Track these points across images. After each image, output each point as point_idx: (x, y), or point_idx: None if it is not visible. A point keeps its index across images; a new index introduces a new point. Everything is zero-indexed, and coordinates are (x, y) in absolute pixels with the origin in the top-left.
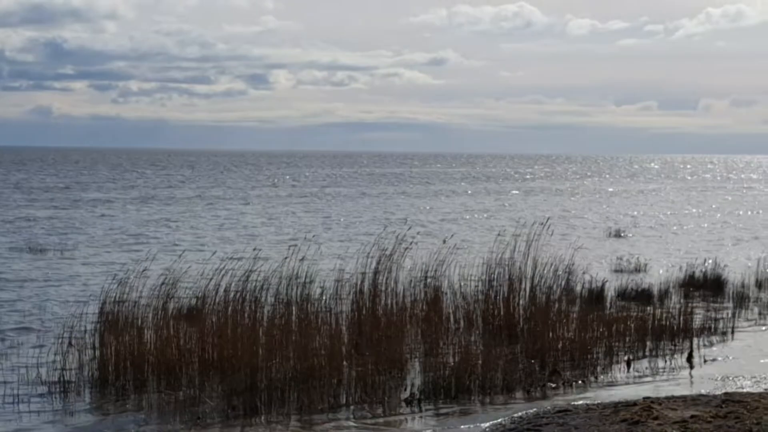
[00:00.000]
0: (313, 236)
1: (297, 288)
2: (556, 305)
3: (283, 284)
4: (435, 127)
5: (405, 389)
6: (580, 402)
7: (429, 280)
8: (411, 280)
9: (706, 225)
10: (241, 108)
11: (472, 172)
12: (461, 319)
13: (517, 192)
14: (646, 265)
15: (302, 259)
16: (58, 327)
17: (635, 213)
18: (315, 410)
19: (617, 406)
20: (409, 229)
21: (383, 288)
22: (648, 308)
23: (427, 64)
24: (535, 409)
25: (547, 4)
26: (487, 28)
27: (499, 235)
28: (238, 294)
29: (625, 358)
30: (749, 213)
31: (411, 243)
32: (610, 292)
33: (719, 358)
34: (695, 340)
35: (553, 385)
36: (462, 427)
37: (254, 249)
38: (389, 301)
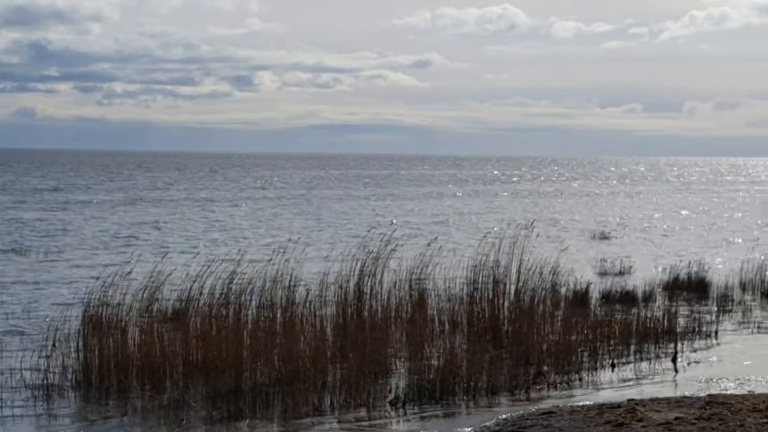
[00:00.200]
0: (299, 239)
1: (282, 290)
2: (541, 307)
3: (267, 286)
4: (419, 130)
5: (390, 392)
6: (565, 404)
7: (414, 282)
8: (396, 282)
9: (692, 227)
10: (226, 110)
11: (460, 175)
12: (446, 322)
13: (506, 194)
14: (630, 267)
15: (287, 261)
16: (43, 330)
17: (623, 215)
18: (299, 413)
19: (602, 408)
20: (395, 231)
21: (368, 290)
22: (632, 310)
23: (411, 66)
24: (519, 411)
25: (531, 7)
26: (471, 31)
27: (484, 237)
28: (223, 296)
29: (610, 360)
30: (737, 215)
31: (396, 245)
32: (594, 294)
33: (703, 361)
34: (679, 343)
35: (538, 387)
36: (447, 429)
37: (239, 251)
38: (374, 304)
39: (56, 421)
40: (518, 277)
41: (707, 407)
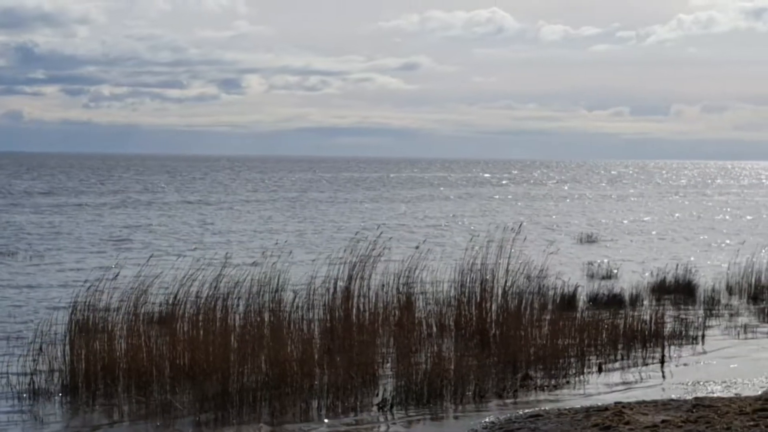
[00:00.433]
0: (286, 241)
1: (269, 294)
2: (529, 310)
3: (255, 290)
4: (407, 132)
5: (377, 395)
6: (552, 407)
7: (402, 285)
8: (384, 286)
9: (682, 230)
10: (214, 113)
11: (450, 178)
12: (434, 325)
13: (498, 197)
14: (617, 270)
15: (274, 264)
16: (29, 333)
17: (614, 218)
18: (287, 416)
19: (589, 411)
20: (381, 234)
21: (356, 293)
22: (620, 313)
23: (399, 69)
24: (507, 415)
25: (519, 10)
26: (459, 34)
27: (471, 239)
28: (210, 300)
29: (597, 363)
30: (727, 218)
31: (384, 248)
32: (582, 298)
33: (690, 363)
34: (666, 346)
35: (526, 390)
36: None
37: (225, 254)
38: (362, 307)
39: (43, 425)
40: (506, 280)
41: (694, 410)
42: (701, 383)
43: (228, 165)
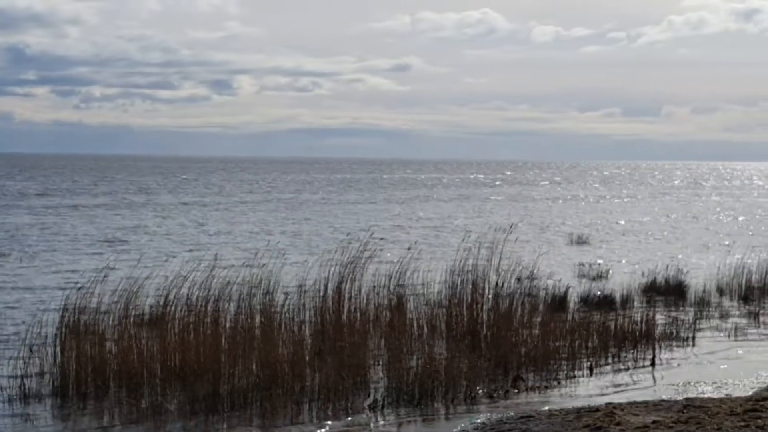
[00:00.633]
0: (278, 242)
1: (260, 295)
2: (519, 311)
3: (246, 291)
4: (399, 133)
5: (368, 396)
6: (543, 408)
7: (393, 286)
8: (375, 287)
9: (677, 231)
10: (205, 114)
11: (444, 179)
12: (425, 326)
13: (495, 198)
14: (609, 270)
15: (264, 265)
16: (20, 334)
17: (608, 219)
18: (278, 418)
19: (580, 412)
20: (372, 234)
21: (347, 294)
22: (611, 314)
23: (390, 70)
24: (498, 416)
25: (510, 11)
26: (450, 35)
27: (463, 240)
28: (201, 301)
29: (588, 364)
30: (721, 218)
31: (375, 249)
32: (573, 298)
33: (681, 364)
34: (657, 346)
35: (516, 391)
36: None
37: (215, 256)
38: (353, 308)
39: (33, 428)
40: (497, 281)
41: (685, 411)
42: (692, 384)
43: (220, 166)
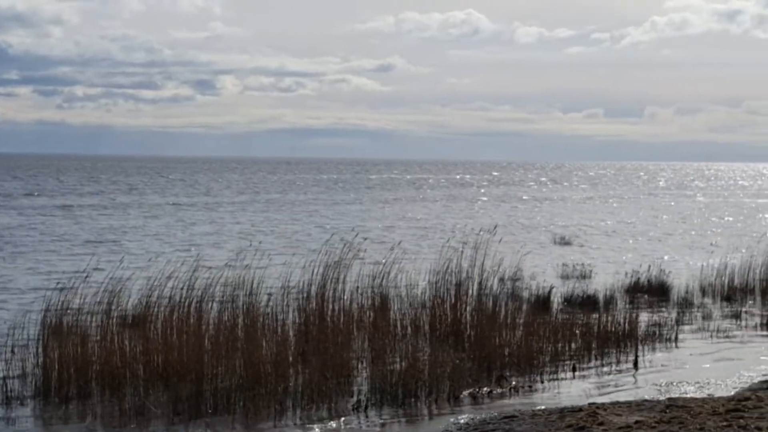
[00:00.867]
0: (260, 242)
1: (244, 295)
2: (503, 311)
3: (229, 291)
4: (383, 134)
5: (352, 396)
6: (527, 408)
7: (377, 286)
8: (359, 287)
9: (659, 231)
10: (188, 114)
11: (432, 180)
12: (408, 326)
13: (483, 198)
14: (592, 271)
15: (247, 266)
16: (2, 335)
17: (595, 219)
18: (261, 418)
19: (563, 412)
20: (357, 235)
21: (331, 295)
22: (594, 314)
23: (374, 70)
24: (481, 416)
25: (494, 12)
26: (434, 35)
27: (447, 240)
28: (184, 301)
29: (571, 364)
30: (710, 219)
31: (359, 250)
32: (556, 298)
33: (663, 364)
34: (640, 346)
35: (500, 391)
36: None
37: (197, 255)
38: (337, 308)
39: (15, 427)
40: (480, 281)
41: (667, 411)
42: (674, 384)
43: (205, 166)
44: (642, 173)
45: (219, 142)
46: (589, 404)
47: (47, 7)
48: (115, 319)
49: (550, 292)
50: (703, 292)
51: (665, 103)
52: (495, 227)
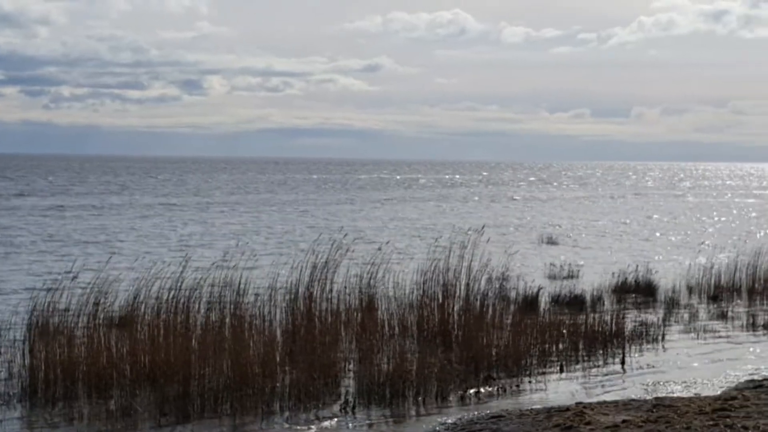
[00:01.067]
0: (247, 243)
1: (231, 295)
2: (491, 311)
3: (216, 292)
4: (370, 134)
5: (339, 396)
6: (514, 407)
7: (365, 287)
8: (347, 287)
9: (646, 231)
10: (175, 114)
11: (422, 180)
12: (396, 326)
13: (476, 198)
14: (579, 270)
15: (235, 265)
16: None
17: (586, 219)
18: (248, 418)
19: (550, 412)
20: (345, 235)
21: (318, 295)
22: (581, 314)
23: (362, 70)
24: (469, 415)
25: (481, 12)
26: (422, 35)
27: (436, 241)
28: (171, 301)
29: (559, 363)
30: (701, 219)
31: (347, 250)
32: (544, 298)
33: (650, 364)
34: (627, 346)
35: (487, 391)
36: None
37: (185, 256)
38: (324, 308)
39: (2, 429)
40: (468, 281)
41: (654, 410)
42: (661, 383)
43: (194, 166)
44: (631, 173)
45: (206, 143)
46: (576, 404)
47: (34, 7)
48: (102, 320)
49: (537, 292)
50: (690, 291)
51: (652, 103)
52: (483, 227)
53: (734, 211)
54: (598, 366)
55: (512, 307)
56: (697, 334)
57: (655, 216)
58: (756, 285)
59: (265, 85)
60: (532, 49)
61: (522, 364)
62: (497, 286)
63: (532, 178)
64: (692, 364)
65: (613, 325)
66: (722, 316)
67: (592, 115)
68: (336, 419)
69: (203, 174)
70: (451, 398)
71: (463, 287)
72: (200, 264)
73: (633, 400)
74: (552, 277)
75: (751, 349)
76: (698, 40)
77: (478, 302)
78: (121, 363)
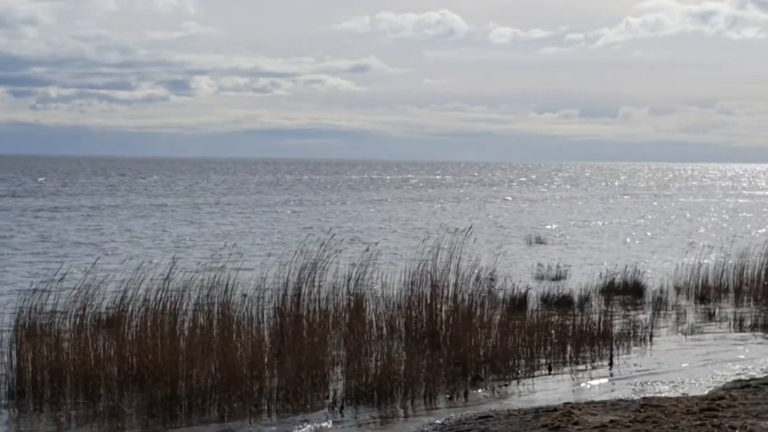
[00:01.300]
0: (234, 244)
1: (219, 296)
2: (479, 312)
3: (204, 293)
4: (358, 134)
5: (327, 397)
6: (502, 408)
7: (353, 287)
8: (335, 288)
9: (637, 231)
10: (163, 114)
11: (413, 180)
12: (384, 326)
13: (467, 199)
14: (567, 270)
15: (222, 267)
16: None
17: (577, 219)
18: (236, 419)
19: (538, 412)
20: (333, 236)
21: (306, 295)
22: (569, 314)
23: (350, 70)
24: (457, 416)
25: (469, 12)
26: (409, 36)
27: (423, 241)
28: (159, 303)
29: (547, 363)
30: (694, 219)
31: (335, 250)
32: (532, 299)
33: (638, 364)
34: (615, 346)
35: (476, 391)
36: None
37: (172, 258)
38: (312, 308)
39: None
40: (456, 281)
41: (642, 410)
42: (649, 383)
43: (183, 167)
44: (621, 174)
45: (194, 143)
46: (564, 404)
47: (21, 7)
48: (89, 321)
49: (526, 292)
50: (678, 291)
51: (639, 103)
52: (470, 227)
53: (723, 212)
54: (586, 366)
55: (500, 307)
56: (685, 334)
57: (650, 216)
58: (743, 285)
59: (253, 85)
60: (520, 49)
61: (510, 364)
62: (485, 286)
63: (522, 179)
64: (680, 364)
65: (601, 325)
66: (710, 317)
67: (579, 115)
68: (324, 420)
69: (193, 174)
70: (439, 398)
71: (451, 288)
72: (189, 265)
73: (621, 400)
74: (540, 278)
75: (739, 349)
76: (685, 40)
77: (467, 303)
78: (108, 364)
